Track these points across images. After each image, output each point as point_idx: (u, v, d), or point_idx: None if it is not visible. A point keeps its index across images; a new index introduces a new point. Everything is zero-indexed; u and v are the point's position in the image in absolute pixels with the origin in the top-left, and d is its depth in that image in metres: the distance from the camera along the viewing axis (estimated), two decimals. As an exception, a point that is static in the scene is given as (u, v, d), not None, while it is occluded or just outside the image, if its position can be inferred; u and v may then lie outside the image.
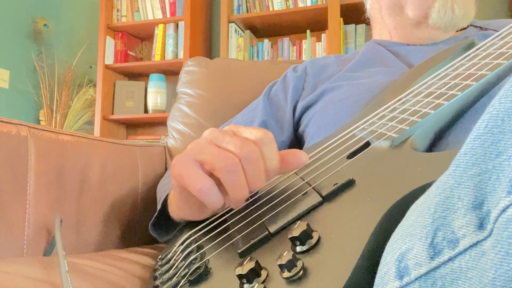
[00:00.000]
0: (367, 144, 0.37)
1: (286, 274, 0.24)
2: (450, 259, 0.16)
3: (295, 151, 0.35)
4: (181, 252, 0.37)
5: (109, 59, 2.33)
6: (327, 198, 0.30)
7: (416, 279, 0.17)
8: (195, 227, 0.40)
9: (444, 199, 0.17)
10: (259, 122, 0.65)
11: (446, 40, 0.62)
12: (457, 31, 0.65)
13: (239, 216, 0.36)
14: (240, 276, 0.26)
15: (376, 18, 0.69)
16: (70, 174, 0.56)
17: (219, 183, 0.33)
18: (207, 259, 0.32)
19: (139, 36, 2.49)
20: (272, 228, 0.30)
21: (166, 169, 0.81)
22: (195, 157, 0.33)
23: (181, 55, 2.22)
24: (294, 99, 0.66)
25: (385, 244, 0.20)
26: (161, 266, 0.38)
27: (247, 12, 2.15)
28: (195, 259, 0.33)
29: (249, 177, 0.32)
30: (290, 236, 0.26)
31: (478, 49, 0.44)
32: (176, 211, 0.43)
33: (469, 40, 0.48)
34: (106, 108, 2.32)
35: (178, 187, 0.36)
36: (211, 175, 0.33)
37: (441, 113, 0.36)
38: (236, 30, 2.15)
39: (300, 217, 0.30)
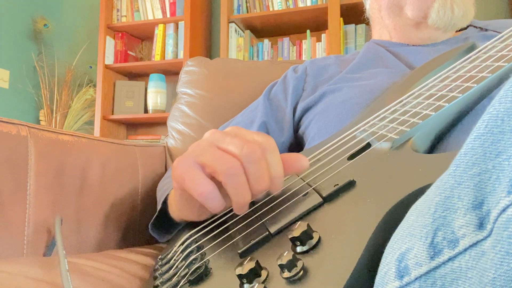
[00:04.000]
0: (368, 146, 0.37)
1: (286, 274, 0.24)
2: (450, 259, 0.16)
3: (296, 155, 0.35)
4: (181, 252, 0.37)
5: (109, 59, 2.33)
6: (328, 199, 0.30)
7: (416, 279, 0.17)
8: (195, 227, 0.40)
9: (444, 199, 0.17)
10: (259, 123, 0.65)
11: (446, 40, 0.62)
12: (457, 32, 0.65)
13: (240, 216, 0.36)
14: (240, 276, 0.26)
15: (376, 18, 0.69)
16: (70, 174, 0.57)
17: (220, 186, 0.33)
18: (207, 259, 0.32)
19: (139, 36, 2.49)
20: (273, 229, 0.30)
21: (166, 169, 0.81)
22: (197, 159, 0.33)
23: (181, 55, 2.22)
24: (294, 100, 0.66)
25: (385, 245, 0.20)
26: (161, 266, 0.38)
27: (247, 12, 2.16)
28: (195, 259, 0.33)
29: (251, 178, 0.32)
30: (290, 236, 0.26)
31: (479, 51, 0.44)
32: (176, 212, 0.43)
33: (470, 43, 0.48)
34: (106, 108, 2.31)
35: (179, 189, 0.36)
36: (212, 178, 0.33)
37: (442, 115, 0.36)
38: (236, 30, 2.15)
39: (300, 218, 0.30)
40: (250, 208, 0.37)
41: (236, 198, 0.32)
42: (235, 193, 0.32)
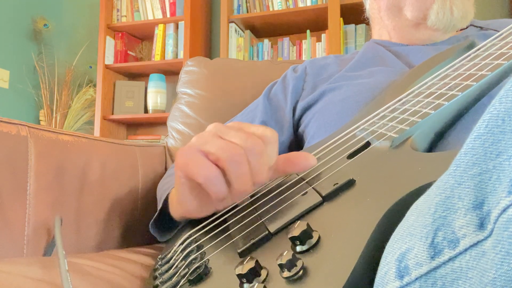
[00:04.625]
0: (368, 144, 0.37)
1: (286, 273, 0.24)
2: (450, 259, 0.16)
3: (304, 153, 0.36)
4: (181, 251, 0.37)
5: (109, 59, 2.33)
6: (327, 198, 0.30)
7: (416, 279, 0.17)
8: (195, 227, 0.40)
9: (444, 199, 0.17)
10: (258, 122, 0.65)
11: (446, 40, 0.62)
12: (457, 31, 0.65)
13: (239, 215, 0.36)
14: (240, 276, 0.26)
15: (375, 18, 0.69)
16: (70, 174, 0.56)
17: (223, 175, 0.33)
18: (207, 259, 0.32)
19: (139, 36, 2.49)
20: (272, 228, 0.30)
21: (166, 169, 0.81)
22: (201, 147, 0.33)
23: (181, 55, 2.22)
24: (294, 99, 0.66)
25: (385, 244, 0.20)
26: (161, 265, 0.37)
27: (247, 12, 2.15)
28: (195, 258, 0.33)
29: (253, 169, 0.33)
30: (290, 235, 0.26)
31: (479, 49, 0.44)
32: (177, 208, 0.43)
33: (470, 41, 0.48)
34: (106, 108, 2.31)
35: (182, 178, 0.36)
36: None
37: (441, 113, 0.36)
38: (236, 30, 2.15)
39: (300, 217, 0.30)
40: (249, 207, 0.37)
41: (237, 186, 0.33)
42: (237, 181, 0.32)
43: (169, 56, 2.27)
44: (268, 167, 0.34)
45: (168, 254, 0.39)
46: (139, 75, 2.50)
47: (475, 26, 0.64)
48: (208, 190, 0.33)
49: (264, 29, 2.25)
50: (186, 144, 0.36)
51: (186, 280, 0.30)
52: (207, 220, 0.40)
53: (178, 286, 0.31)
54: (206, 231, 0.38)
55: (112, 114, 2.35)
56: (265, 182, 0.34)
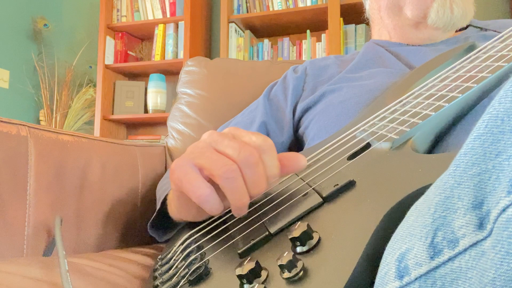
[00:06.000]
0: (368, 146, 0.37)
1: (286, 274, 0.24)
2: (450, 259, 0.16)
3: (294, 154, 0.35)
4: (181, 252, 0.37)
5: (109, 59, 2.33)
6: (328, 199, 0.30)
7: (416, 279, 0.17)
8: (195, 227, 0.40)
9: (444, 199, 0.17)
10: (259, 123, 0.65)
11: (445, 40, 0.62)
12: (456, 31, 0.65)
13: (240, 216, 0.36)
14: (240, 277, 0.26)
15: (375, 18, 0.69)
16: (70, 174, 0.57)
17: (218, 188, 0.32)
18: (207, 259, 0.32)
19: (139, 36, 2.49)
20: (273, 229, 0.30)
21: (166, 169, 0.81)
22: (194, 161, 0.33)
23: (181, 55, 2.22)
24: (294, 100, 0.66)
25: (386, 245, 0.20)
26: (161, 266, 0.38)
27: (247, 12, 2.16)
28: (195, 259, 0.33)
29: (248, 182, 0.32)
30: (290, 236, 0.26)
31: (479, 51, 0.44)
32: (175, 212, 0.43)
33: (470, 43, 0.48)
34: (106, 108, 2.31)
35: (177, 191, 0.36)
36: (210, 180, 0.33)
37: (441, 115, 0.36)
38: (236, 30, 2.15)
39: (300, 218, 0.30)
40: (249, 208, 0.37)
41: (233, 201, 0.32)
42: (232, 196, 0.32)
43: (169, 56, 2.27)
44: (268, 176, 0.33)
45: (168, 254, 0.39)
46: (139, 75, 2.50)
47: (474, 26, 0.64)
48: (202, 207, 0.32)
49: (264, 29, 2.25)
50: (181, 155, 0.35)
51: (186, 281, 0.30)
52: (207, 220, 0.40)
53: (178, 286, 0.31)
54: (206, 231, 0.38)
55: (112, 114, 2.35)
56: (264, 191, 0.33)
